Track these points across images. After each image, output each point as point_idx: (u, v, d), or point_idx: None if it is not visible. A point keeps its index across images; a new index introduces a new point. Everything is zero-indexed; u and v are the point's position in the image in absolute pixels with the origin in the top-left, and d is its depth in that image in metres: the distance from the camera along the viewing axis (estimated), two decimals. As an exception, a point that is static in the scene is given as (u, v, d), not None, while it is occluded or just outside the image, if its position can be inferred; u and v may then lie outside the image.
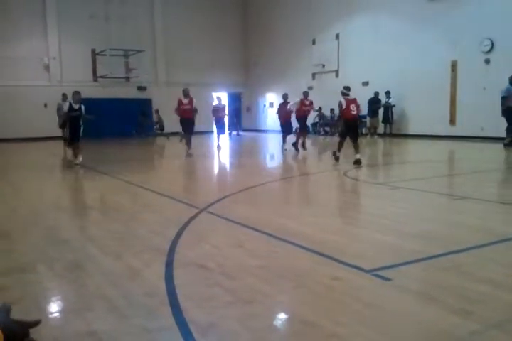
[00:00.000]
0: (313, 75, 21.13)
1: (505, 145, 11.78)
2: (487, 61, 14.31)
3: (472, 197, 5.61)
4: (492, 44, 14.13)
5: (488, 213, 4.92)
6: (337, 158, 9.23)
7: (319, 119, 20.16)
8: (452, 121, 15.59)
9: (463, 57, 14.85)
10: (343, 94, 9.22)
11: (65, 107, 9.61)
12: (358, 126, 9.88)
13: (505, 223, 4.48)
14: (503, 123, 12.21)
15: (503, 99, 11.85)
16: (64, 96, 14.24)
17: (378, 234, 4.15)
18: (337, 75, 19.91)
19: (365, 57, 18.15)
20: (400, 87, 16.74)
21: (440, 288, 2.85)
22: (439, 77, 15.31)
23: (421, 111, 16.20)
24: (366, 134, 17.59)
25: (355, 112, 9.11)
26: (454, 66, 15.20)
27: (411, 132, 16.89)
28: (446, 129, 15.55)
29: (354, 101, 9.19)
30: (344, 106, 9.04)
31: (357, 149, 9.05)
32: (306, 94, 12.50)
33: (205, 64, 22.54)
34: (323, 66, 20.44)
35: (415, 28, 16.21)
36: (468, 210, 5.11)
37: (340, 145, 9.38)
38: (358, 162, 8.84)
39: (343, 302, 2.67)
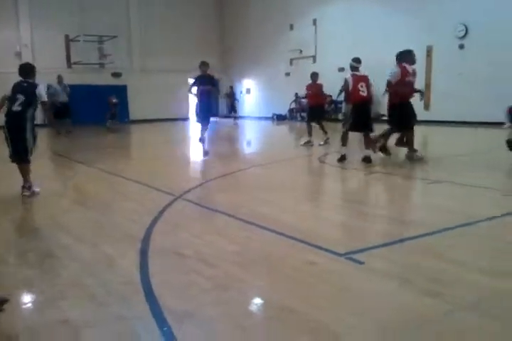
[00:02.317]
0: (291, 61, 21.06)
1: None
2: (461, 46, 14.45)
3: (445, 180, 5.71)
4: (466, 29, 14.26)
5: (459, 196, 5.02)
6: (343, 158, 7.30)
7: (296, 105, 20.16)
8: (427, 106, 15.77)
9: (438, 43, 14.96)
10: (352, 69, 7.46)
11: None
12: (369, 113, 7.44)
13: (475, 205, 4.57)
14: (480, 108, 12.33)
15: None
16: (59, 79, 14.19)
17: (353, 219, 4.21)
18: (314, 61, 19.88)
19: (341, 43, 18.14)
20: (375, 73, 16.78)
21: (412, 270, 2.91)
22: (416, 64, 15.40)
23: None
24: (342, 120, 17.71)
25: (365, 94, 7.23)
26: (429, 51, 15.32)
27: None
28: (421, 114, 15.71)
29: (364, 78, 7.34)
30: (351, 86, 7.18)
31: (368, 143, 7.29)
32: (314, 76, 10.51)
33: (181, 50, 22.22)
34: (301, 51, 20.37)
35: (391, 13, 16.23)
36: (439, 193, 5.20)
37: (345, 138, 7.34)
38: (367, 160, 7.07)
39: (319, 287, 2.71)
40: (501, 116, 7.95)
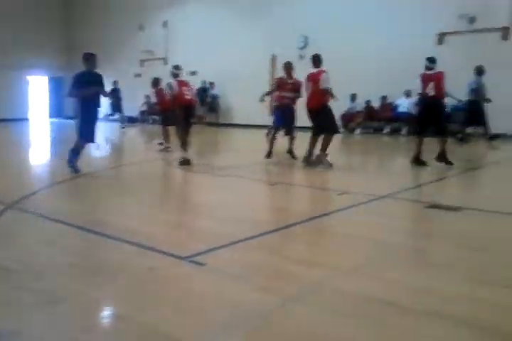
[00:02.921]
0: (142, 62, 20.63)
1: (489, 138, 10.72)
2: (301, 56, 15.62)
3: (284, 182, 6.11)
4: (306, 41, 15.48)
5: (296, 196, 5.41)
6: (185, 162, 7.35)
7: (147, 108, 19.72)
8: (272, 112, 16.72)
9: (281, 52, 15.94)
10: (174, 76, 7.70)
11: None
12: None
13: (309, 204, 4.98)
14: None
15: (473, 91, 10.28)
16: None
17: (196, 221, 4.27)
18: (166, 63, 19.74)
19: (193, 47, 18.35)
20: (225, 78, 17.31)
21: (250, 267, 3.05)
22: (261, 71, 16.22)
23: (244, 103, 17.00)
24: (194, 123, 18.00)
25: (189, 97, 7.60)
26: (273, 60, 16.27)
27: (237, 122, 17.64)
28: (265, 119, 16.60)
29: (186, 83, 7.71)
30: (176, 91, 7.47)
31: (184, 145, 7.49)
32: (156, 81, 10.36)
33: (18, 45, 20.29)
34: (152, 53, 20.07)
35: (241, 21, 16.92)
36: (278, 195, 5.55)
37: (184, 142, 7.52)
38: (185, 162, 7.30)
39: (161, 292, 2.67)
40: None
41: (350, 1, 14.35)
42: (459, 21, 12.18)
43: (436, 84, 6.99)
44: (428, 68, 7.19)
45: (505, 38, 11.93)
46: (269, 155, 7.84)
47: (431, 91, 7.00)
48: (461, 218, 4.37)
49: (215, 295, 2.63)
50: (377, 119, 14.46)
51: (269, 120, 16.42)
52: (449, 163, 7.11)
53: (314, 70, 7.28)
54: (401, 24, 13.01)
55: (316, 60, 7.31)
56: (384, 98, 14.06)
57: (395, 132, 13.78)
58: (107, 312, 2.50)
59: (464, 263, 3.14)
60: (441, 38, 12.71)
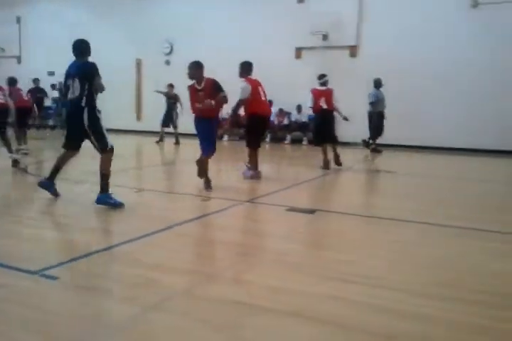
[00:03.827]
0: (-8, 59, 18.80)
1: (372, 150, 11.51)
2: (167, 62, 15.54)
3: (147, 188, 6.02)
4: (171, 47, 15.44)
5: (158, 203, 5.37)
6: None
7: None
8: (139, 117, 16.36)
9: (147, 57, 15.73)
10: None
11: None
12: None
13: (171, 211, 4.97)
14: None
15: (372, 104, 11.09)
16: None
17: (51, 233, 4.02)
18: (19, 61, 18.23)
19: (52, 45, 17.22)
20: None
21: (107, 278, 2.95)
22: (127, 75, 15.78)
23: (111, 107, 16.37)
24: (55, 126, 17.03)
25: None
26: (139, 64, 15.95)
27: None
28: (133, 124, 16.20)
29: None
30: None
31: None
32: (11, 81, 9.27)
33: None
34: (3, 50, 18.37)
35: (101, 21, 16.28)
36: (143, 202, 5.44)
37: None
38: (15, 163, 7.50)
39: (9, 311, 2.46)
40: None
41: (214, 7, 14.60)
42: (313, 38, 13.16)
43: (327, 99, 7.99)
44: (320, 84, 8.12)
45: (353, 55, 13.18)
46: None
47: (324, 104, 7.97)
48: (315, 219, 4.71)
49: (67, 310, 2.50)
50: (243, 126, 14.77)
51: (137, 125, 16.08)
52: (340, 164, 8.45)
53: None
54: (265, 36, 13.58)
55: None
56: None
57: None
58: None
59: (319, 261, 3.39)
60: (299, 52, 13.61)
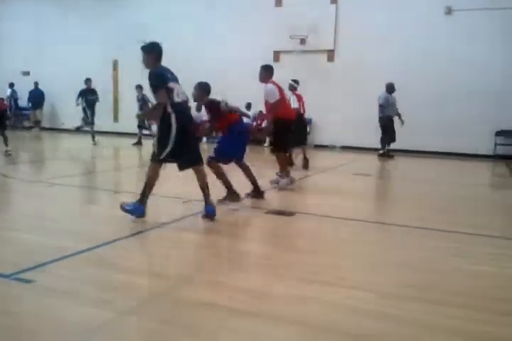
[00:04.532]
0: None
1: (379, 155, 11.29)
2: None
3: (125, 190, 5.97)
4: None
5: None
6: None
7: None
8: (116, 118, 16.19)
9: (123, 57, 15.49)
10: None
11: None
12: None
13: (148, 213, 4.94)
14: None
15: (381, 107, 10.96)
16: None
17: (25, 235, 3.94)
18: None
19: (26, 45, 16.95)
20: (64, 81, 16.22)
21: (83, 282, 2.93)
22: (103, 76, 15.53)
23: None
24: (31, 127, 16.73)
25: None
26: (115, 65, 15.79)
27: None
28: (110, 125, 15.99)
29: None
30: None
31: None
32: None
33: None
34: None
35: (80, 21, 16.04)
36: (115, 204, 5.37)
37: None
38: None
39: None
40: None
41: (193, 11, 14.53)
42: (292, 42, 13.24)
43: (302, 103, 8.58)
44: (295, 89, 8.56)
45: (330, 59, 13.30)
46: None
47: (301, 108, 8.49)
48: (294, 222, 4.75)
49: (40, 313, 2.47)
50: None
51: (114, 126, 15.86)
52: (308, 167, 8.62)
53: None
54: (243, 39, 13.59)
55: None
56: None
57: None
58: None
59: (295, 264, 3.43)
60: (277, 55, 13.65)
